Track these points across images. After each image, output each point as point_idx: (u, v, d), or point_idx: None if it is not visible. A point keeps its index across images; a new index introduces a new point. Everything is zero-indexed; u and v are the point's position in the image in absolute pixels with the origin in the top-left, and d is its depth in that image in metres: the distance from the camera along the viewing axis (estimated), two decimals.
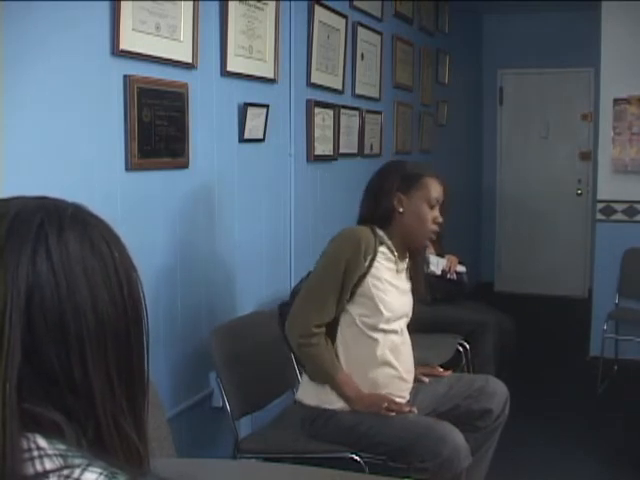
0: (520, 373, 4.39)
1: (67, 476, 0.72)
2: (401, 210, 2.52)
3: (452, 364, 3.65)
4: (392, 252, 2.53)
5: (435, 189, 2.55)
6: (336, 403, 2.51)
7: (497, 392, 2.69)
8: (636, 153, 5.00)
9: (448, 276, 4.01)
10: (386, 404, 2.45)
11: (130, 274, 0.83)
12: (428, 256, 4.00)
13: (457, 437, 2.38)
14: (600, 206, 5.18)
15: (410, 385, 2.61)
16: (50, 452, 0.73)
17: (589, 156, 6.94)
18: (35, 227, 0.77)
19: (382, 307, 2.48)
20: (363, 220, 2.58)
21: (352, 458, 2.50)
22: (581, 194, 7.15)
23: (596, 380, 4.59)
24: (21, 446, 0.72)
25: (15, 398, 0.72)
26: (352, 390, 2.48)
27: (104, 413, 0.78)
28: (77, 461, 0.73)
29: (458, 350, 3.88)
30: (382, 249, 2.51)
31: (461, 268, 4.06)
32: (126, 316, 0.81)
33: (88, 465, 0.73)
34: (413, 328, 4.14)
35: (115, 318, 0.79)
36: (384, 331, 2.51)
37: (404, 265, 2.60)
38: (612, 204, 5.12)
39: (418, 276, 2.66)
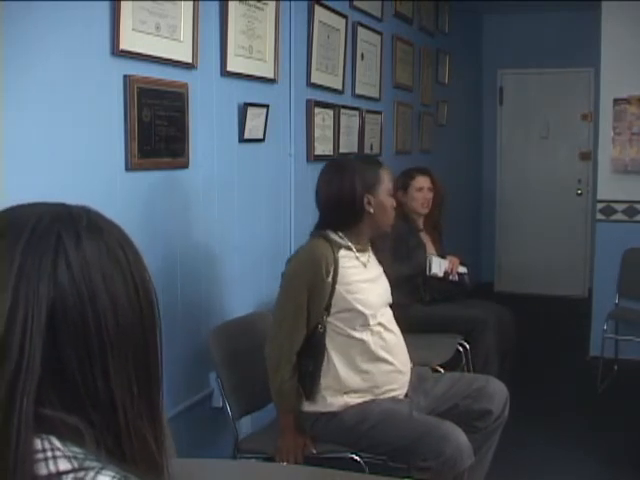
0: (520, 373, 4.39)
1: (80, 479, 0.72)
2: (372, 211, 2.56)
3: (452, 364, 3.65)
4: (352, 250, 2.56)
5: (390, 178, 2.64)
6: (335, 405, 2.52)
7: (497, 393, 2.69)
8: (636, 153, 5.00)
9: (450, 278, 4.00)
10: (298, 455, 2.49)
11: (144, 277, 0.83)
12: (430, 257, 3.99)
13: (460, 436, 2.39)
14: (600, 206, 5.18)
15: (407, 377, 2.62)
16: (66, 453, 0.73)
17: (589, 156, 6.94)
18: (53, 240, 0.77)
19: (361, 307, 2.50)
20: (324, 220, 2.59)
21: (352, 458, 2.50)
22: (581, 194, 7.15)
23: (596, 380, 4.59)
24: (34, 448, 0.73)
25: (32, 411, 0.73)
26: (287, 426, 2.52)
27: (125, 421, 0.78)
28: (92, 464, 0.73)
29: (458, 350, 3.87)
30: (342, 253, 2.53)
31: (462, 269, 4.05)
32: (142, 319, 0.82)
33: (102, 468, 0.73)
34: (413, 328, 4.15)
35: (134, 322, 0.80)
36: (370, 327, 2.52)
37: (367, 255, 2.64)
38: (612, 204, 5.12)
39: (384, 258, 2.76)
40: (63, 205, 0.83)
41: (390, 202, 2.63)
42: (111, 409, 0.78)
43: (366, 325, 2.52)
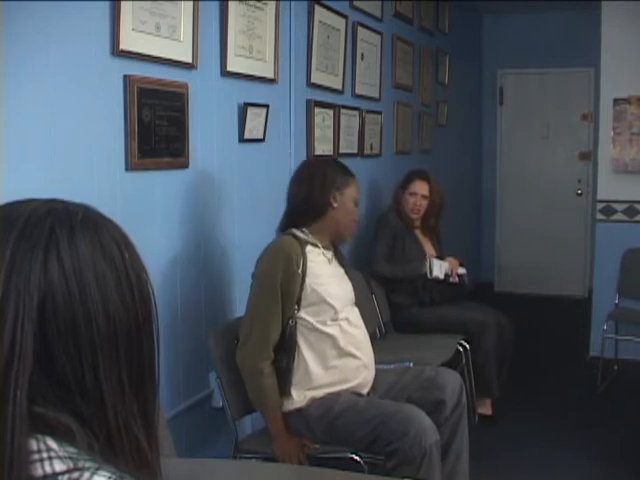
0: (520, 373, 4.39)
1: (76, 479, 0.72)
2: (335, 205, 2.65)
3: (452, 364, 3.65)
4: (317, 246, 2.63)
5: (358, 190, 2.76)
6: (303, 401, 2.55)
7: (449, 382, 2.72)
8: (636, 153, 4.99)
9: (450, 280, 4.00)
10: (299, 455, 2.52)
11: (140, 275, 0.82)
12: (432, 260, 3.98)
13: (421, 415, 2.44)
14: (600, 206, 5.17)
15: (373, 373, 2.68)
16: (60, 454, 0.73)
17: (589, 156, 6.94)
18: (46, 232, 0.77)
19: (329, 299, 2.56)
20: (290, 214, 2.69)
21: (352, 458, 2.50)
22: (581, 194, 7.15)
23: (596, 380, 4.59)
24: (29, 449, 0.72)
25: (25, 405, 0.72)
26: (278, 429, 2.54)
27: (115, 418, 0.78)
28: (87, 464, 0.73)
29: (458, 350, 3.87)
30: (309, 248, 2.59)
31: (462, 270, 4.05)
32: (137, 318, 0.81)
33: (97, 469, 0.73)
34: (412, 330, 4.15)
35: (126, 321, 0.79)
36: (338, 321, 2.57)
37: (331, 253, 2.71)
38: (612, 204, 5.12)
39: (344, 262, 2.81)
40: (60, 201, 0.82)
41: (353, 210, 2.71)
42: (101, 406, 0.77)
43: (335, 319, 2.57)
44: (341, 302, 2.60)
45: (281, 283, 2.51)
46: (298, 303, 2.53)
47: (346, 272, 2.77)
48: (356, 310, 2.72)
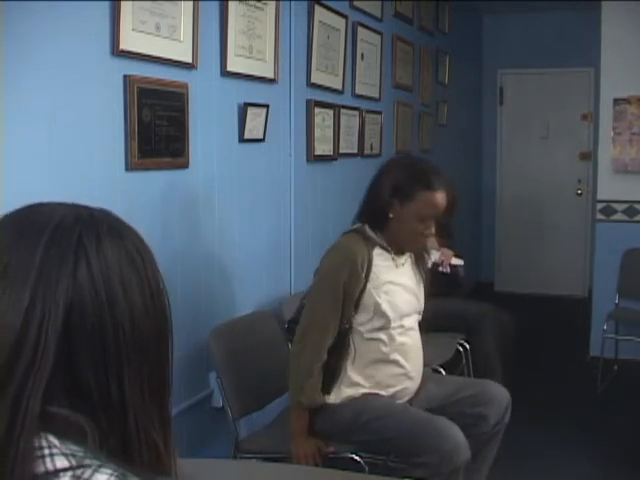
0: (520, 373, 4.39)
1: (78, 476, 0.72)
2: (391, 216, 2.48)
3: (452, 364, 3.65)
4: (387, 250, 2.53)
5: (432, 205, 2.46)
6: (335, 397, 2.50)
7: (495, 398, 2.62)
8: (636, 153, 4.99)
9: (440, 269, 3.96)
10: (315, 457, 2.47)
11: (158, 284, 0.84)
12: None
13: (456, 432, 2.36)
14: (600, 206, 5.18)
15: (416, 384, 2.59)
16: (62, 451, 0.73)
17: (589, 156, 6.94)
18: (75, 241, 0.77)
19: (387, 310, 2.47)
20: (360, 215, 2.57)
21: (352, 458, 2.50)
22: (581, 194, 7.15)
23: (596, 380, 4.59)
24: (34, 447, 0.72)
25: (38, 409, 0.73)
26: (300, 428, 2.48)
27: (135, 427, 0.78)
28: (90, 462, 0.73)
29: (458, 350, 3.87)
30: (377, 251, 2.50)
31: (457, 261, 4.00)
32: (157, 326, 0.82)
33: (100, 466, 0.73)
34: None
35: (148, 329, 0.80)
36: (389, 330, 2.50)
37: (404, 259, 2.59)
38: (612, 204, 5.12)
39: (422, 267, 2.68)
40: (85, 207, 0.83)
41: (413, 226, 2.46)
42: (122, 414, 0.77)
43: (385, 328, 2.49)
44: (397, 313, 2.50)
45: (344, 283, 2.42)
46: (356, 306, 2.46)
47: (421, 281, 2.65)
48: (414, 317, 2.61)
